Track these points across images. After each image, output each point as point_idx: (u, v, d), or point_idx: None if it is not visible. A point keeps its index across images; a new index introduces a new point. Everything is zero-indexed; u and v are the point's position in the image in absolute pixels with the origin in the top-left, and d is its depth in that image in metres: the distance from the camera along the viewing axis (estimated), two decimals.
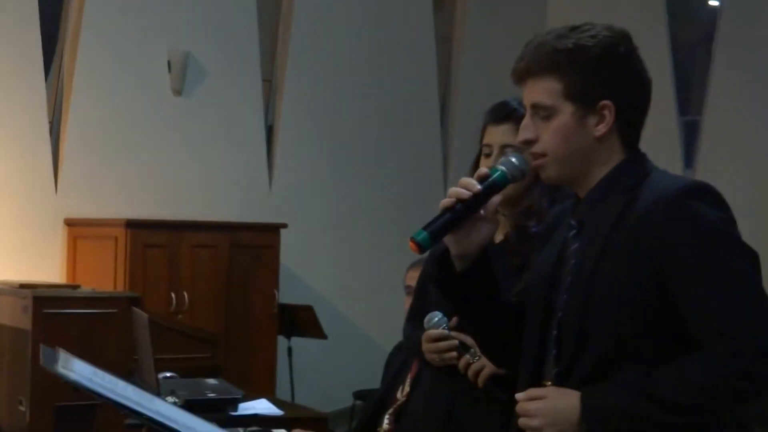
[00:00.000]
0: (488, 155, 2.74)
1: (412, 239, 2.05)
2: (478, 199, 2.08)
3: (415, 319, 2.93)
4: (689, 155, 9.46)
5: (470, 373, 2.65)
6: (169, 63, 7.50)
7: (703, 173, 9.05)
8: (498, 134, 2.73)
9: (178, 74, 7.54)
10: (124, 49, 7.35)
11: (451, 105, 9.34)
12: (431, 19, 9.10)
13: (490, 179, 2.10)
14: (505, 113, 2.73)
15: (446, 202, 2.08)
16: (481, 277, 2.14)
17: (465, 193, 2.07)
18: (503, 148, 2.69)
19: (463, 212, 2.08)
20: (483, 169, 2.13)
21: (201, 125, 7.70)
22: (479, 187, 2.08)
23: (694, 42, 10.02)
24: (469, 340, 2.64)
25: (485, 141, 2.77)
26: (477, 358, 2.63)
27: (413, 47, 8.96)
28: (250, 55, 7.97)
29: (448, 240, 2.11)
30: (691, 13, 10.03)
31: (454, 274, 2.14)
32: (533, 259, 2.27)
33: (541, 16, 9.93)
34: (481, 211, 2.09)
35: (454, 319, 2.66)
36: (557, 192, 2.57)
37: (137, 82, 7.42)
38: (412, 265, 3.77)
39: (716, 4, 9.73)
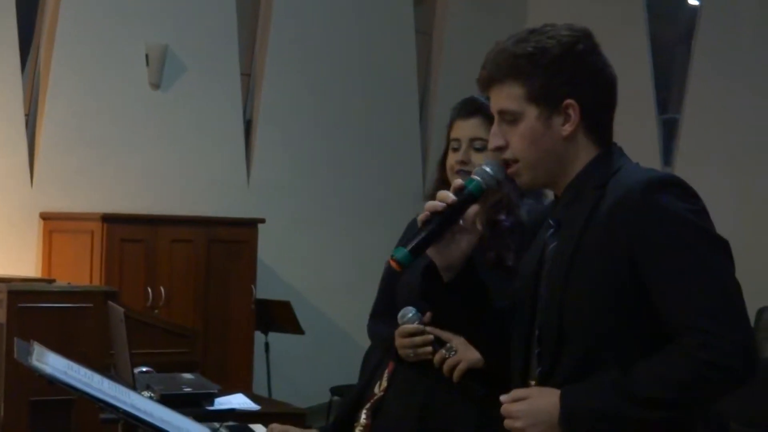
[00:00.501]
0: (456, 149, 2.75)
1: (393, 258, 2.08)
2: (455, 211, 2.10)
3: (378, 315, 2.94)
4: (668, 153, 9.49)
5: (446, 368, 2.65)
6: (147, 56, 7.45)
7: (681, 171, 9.07)
8: (466, 128, 2.75)
9: (156, 68, 7.49)
10: (101, 42, 7.30)
11: (430, 101, 9.33)
12: (411, 14, 9.09)
13: (466, 190, 2.11)
14: (474, 107, 2.75)
15: (423, 216, 2.10)
16: (469, 286, 2.16)
17: (440, 205, 2.09)
18: (472, 141, 2.72)
19: (440, 225, 2.10)
20: (458, 181, 2.14)
21: (179, 119, 7.66)
22: (453, 197, 2.09)
23: (673, 41, 10.05)
24: (444, 335, 2.64)
25: (453, 135, 2.78)
26: (453, 353, 2.63)
27: (393, 42, 8.94)
28: (229, 49, 7.93)
29: (431, 253, 2.13)
30: (670, 12, 10.05)
31: (442, 286, 2.16)
32: (522, 259, 2.28)
33: (522, 13, 9.94)
34: (461, 222, 2.11)
35: (428, 315, 2.66)
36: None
37: (115, 75, 7.37)
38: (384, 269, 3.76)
39: (696, 3, 9.75)
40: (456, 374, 2.63)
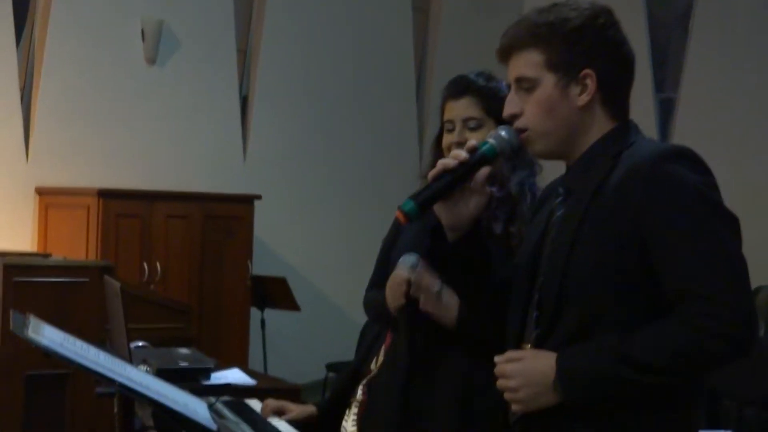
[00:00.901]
0: (450, 131, 2.74)
1: (400, 209, 2.09)
2: (466, 170, 2.11)
3: (374, 288, 2.93)
4: (665, 132, 9.48)
5: (422, 299, 2.58)
6: (142, 32, 7.42)
7: None
8: (458, 108, 2.73)
9: (152, 43, 7.46)
10: (97, 17, 7.27)
11: (427, 78, 9.30)
12: None
13: (479, 151, 2.12)
14: (463, 87, 2.74)
15: (434, 172, 2.12)
16: (473, 249, 2.18)
17: (452, 162, 2.11)
18: (465, 122, 2.71)
19: (450, 182, 2.11)
20: (472, 142, 2.16)
21: (175, 95, 7.63)
22: (466, 155, 2.11)
23: (670, 20, 10.02)
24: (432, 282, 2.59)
25: (446, 117, 2.77)
26: (436, 294, 2.56)
27: (389, 19, 8.91)
28: (225, 24, 7.90)
29: (438, 210, 2.15)
30: None
31: (446, 245, 2.18)
32: (523, 224, 2.30)
33: None
34: (471, 184, 2.12)
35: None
36: (518, 159, 2.59)
37: (110, 50, 7.34)
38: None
39: None
40: (421, 306, 2.56)
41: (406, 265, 2.64)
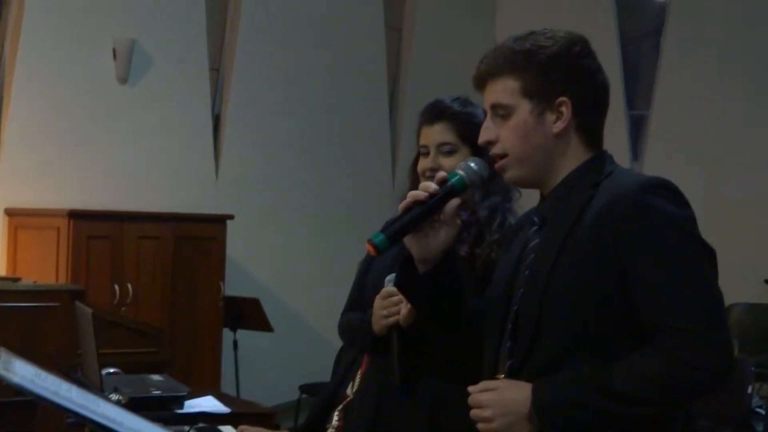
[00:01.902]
0: (426, 155, 2.76)
1: (369, 241, 2.09)
2: (436, 202, 2.11)
3: (351, 310, 2.92)
4: (636, 150, 9.53)
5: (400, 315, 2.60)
6: (114, 51, 7.38)
7: (650, 167, 9.11)
8: (433, 134, 2.74)
9: (124, 62, 7.41)
10: (68, 36, 7.21)
11: (400, 97, 9.31)
12: (381, 9, 9.07)
13: (449, 183, 2.12)
14: (438, 112, 2.75)
15: (404, 204, 2.12)
16: (444, 280, 2.17)
17: (422, 194, 2.11)
18: (439, 147, 2.72)
19: (420, 214, 2.11)
20: (442, 173, 2.16)
21: (147, 114, 7.58)
22: (435, 187, 2.11)
23: (641, 36, 10.08)
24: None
25: (421, 142, 2.78)
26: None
27: (362, 37, 8.91)
28: (197, 43, 7.86)
29: (408, 243, 2.14)
30: (639, 7, 10.08)
31: (417, 277, 2.17)
32: (499, 260, 2.30)
33: (491, 8, 9.93)
34: (441, 216, 2.12)
35: None
36: (491, 184, 2.58)
37: (82, 69, 7.28)
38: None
39: None
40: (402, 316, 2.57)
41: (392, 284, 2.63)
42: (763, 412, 5.41)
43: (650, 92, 9.57)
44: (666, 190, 2.00)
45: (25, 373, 2.22)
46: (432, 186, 2.12)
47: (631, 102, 9.65)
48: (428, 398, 2.63)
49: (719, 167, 8.99)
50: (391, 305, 2.65)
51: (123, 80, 7.45)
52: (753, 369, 5.45)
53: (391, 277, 2.66)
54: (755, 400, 5.59)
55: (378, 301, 2.70)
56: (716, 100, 9.09)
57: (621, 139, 9.20)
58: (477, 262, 2.65)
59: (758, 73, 9.00)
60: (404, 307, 2.55)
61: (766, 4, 9.04)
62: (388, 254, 2.66)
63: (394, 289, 2.62)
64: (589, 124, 2.11)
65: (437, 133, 2.73)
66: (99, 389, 3.56)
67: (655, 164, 9.04)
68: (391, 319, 2.65)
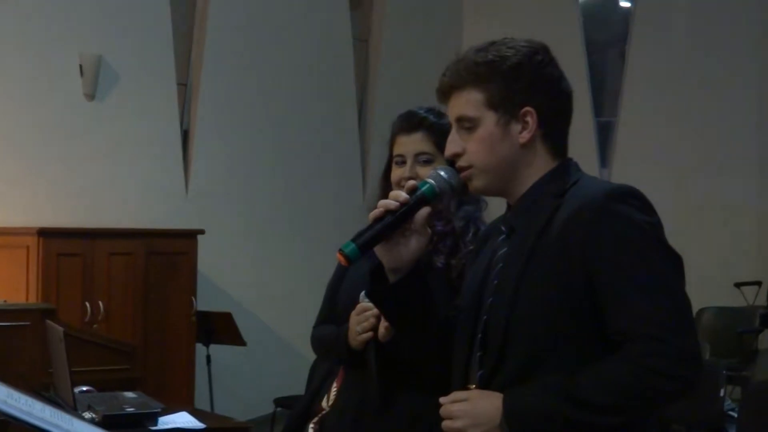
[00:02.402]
0: (401, 164, 2.75)
1: (341, 251, 2.08)
2: (406, 211, 2.11)
3: (322, 324, 2.91)
4: (604, 156, 9.59)
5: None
6: (81, 67, 7.34)
7: (618, 173, 9.17)
8: (410, 143, 2.74)
9: (91, 78, 7.38)
10: (34, 52, 7.17)
11: (369, 108, 9.33)
12: (348, 21, 9.08)
13: (419, 192, 2.12)
14: (416, 122, 2.75)
15: (375, 213, 2.11)
16: (415, 289, 2.16)
17: (393, 204, 2.10)
18: (417, 156, 2.72)
19: (391, 223, 2.10)
20: (412, 182, 2.15)
21: (115, 130, 7.55)
22: (406, 196, 2.10)
23: (607, 44, 10.15)
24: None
25: (397, 151, 2.77)
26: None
27: (330, 50, 8.92)
28: (165, 58, 7.84)
29: (379, 252, 2.14)
30: (603, 15, 10.15)
31: (387, 286, 2.16)
32: (465, 257, 2.29)
33: (457, 19, 9.97)
34: (412, 224, 2.11)
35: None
36: (464, 193, 2.54)
37: (48, 86, 7.25)
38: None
39: (628, 5, 9.86)
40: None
41: (366, 299, 2.63)
42: (735, 414, 5.44)
43: (617, 99, 9.64)
44: (632, 197, 2.00)
45: None
46: (402, 195, 2.11)
47: (598, 109, 9.72)
48: (407, 412, 2.63)
49: (687, 172, 9.07)
50: (365, 320, 2.65)
51: (90, 96, 7.42)
52: (725, 372, 5.49)
53: (365, 293, 2.66)
54: (727, 403, 5.62)
55: (353, 317, 2.69)
56: (682, 106, 9.17)
57: (589, 146, 9.26)
58: (453, 273, 2.65)
59: (722, 79, 9.09)
60: (382, 325, 2.55)
61: (729, 11, 9.13)
62: (362, 267, 2.67)
63: (370, 304, 2.62)
64: (554, 132, 2.11)
65: (415, 143, 2.73)
66: (72, 408, 3.54)
67: (623, 171, 9.10)
68: (366, 335, 2.65)
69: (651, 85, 9.30)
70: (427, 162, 2.70)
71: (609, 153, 9.64)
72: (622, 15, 9.91)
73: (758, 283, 8.83)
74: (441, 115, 2.75)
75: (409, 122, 2.75)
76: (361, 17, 9.39)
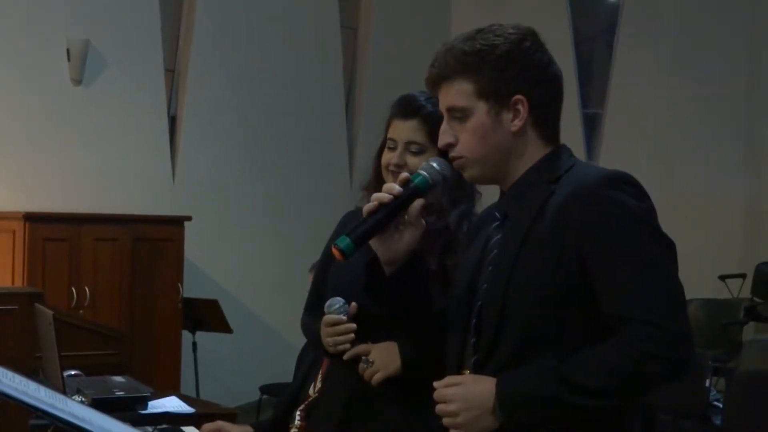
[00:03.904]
0: (392, 149, 2.69)
1: (335, 246, 2.09)
2: (400, 203, 2.12)
3: (310, 309, 2.89)
4: (591, 147, 9.60)
5: (366, 377, 2.62)
6: (68, 51, 7.31)
7: (604, 165, 9.15)
8: (404, 130, 2.67)
9: (78, 63, 7.35)
10: (21, 36, 7.14)
11: (357, 97, 9.32)
12: (336, 9, 9.06)
13: (412, 184, 2.13)
14: (412, 109, 2.68)
15: (369, 206, 2.12)
16: (410, 281, 2.18)
17: (386, 197, 2.12)
18: (408, 145, 2.65)
19: (385, 217, 2.12)
20: (404, 174, 2.17)
21: (102, 115, 7.52)
22: (399, 189, 2.12)
23: (595, 35, 10.16)
24: (363, 348, 2.58)
25: (390, 135, 2.71)
26: (369, 364, 2.59)
27: (318, 38, 8.91)
28: (152, 43, 7.81)
29: (374, 245, 2.16)
30: (592, 6, 10.16)
31: (383, 279, 2.18)
32: (460, 257, 2.29)
33: (446, 8, 9.97)
34: (405, 216, 2.13)
35: (353, 305, 2.62)
36: (459, 190, 2.58)
37: (35, 70, 7.21)
38: (314, 266, 3.72)
39: None
40: (374, 383, 2.59)
41: (331, 310, 2.62)
42: (720, 405, 5.47)
43: (604, 90, 9.65)
44: (626, 183, 2.01)
45: None
46: (395, 188, 2.12)
47: (585, 100, 9.73)
48: (400, 402, 2.62)
49: (674, 164, 9.09)
50: (335, 334, 2.62)
51: (77, 81, 7.39)
52: (710, 363, 5.52)
53: (332, 301, 2.65)
54: (713, 394, 5.65)
55: (323, 328, 2.65)
56: (670, 98, 9.18)
57: (576, 138, 9.27)
58: (450, 273, 2.57)
59: (710, 71, 9.10)
60: (380, 371, 2.54)
61: (717, 3, 9.15)
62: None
63: (338, 316, 2.61)
64: (545, 118, 2.11)
65: (409, 130, 2.66)
66: (62, 391, 3.52)
67: (610, 162, 9.10)
68: (340, 348, 2.62)
69: (638, 77, 9.32)
70: (417, 153, 2.64)
71: (596, 145, 9.65)
72: (610, 6, 9.92)
73: (743, 276, 8.87)
74: (437, 104, 2.72)
75: (407, 108, 2.69)
76: (349, 5, 9.37)
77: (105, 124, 7.54)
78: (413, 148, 2.64)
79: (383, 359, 2.55)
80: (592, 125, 9.75)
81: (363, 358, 2.58)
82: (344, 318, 2.62)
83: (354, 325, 2.62)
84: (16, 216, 6.59)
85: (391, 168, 2.65)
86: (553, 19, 9.33)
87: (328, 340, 2.66)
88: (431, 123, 2.61)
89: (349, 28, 9.39)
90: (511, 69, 2.06)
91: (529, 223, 2.03)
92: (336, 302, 2.66)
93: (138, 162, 7.69)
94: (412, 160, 2.62)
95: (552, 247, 1.99)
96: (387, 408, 2.61)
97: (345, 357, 2.64)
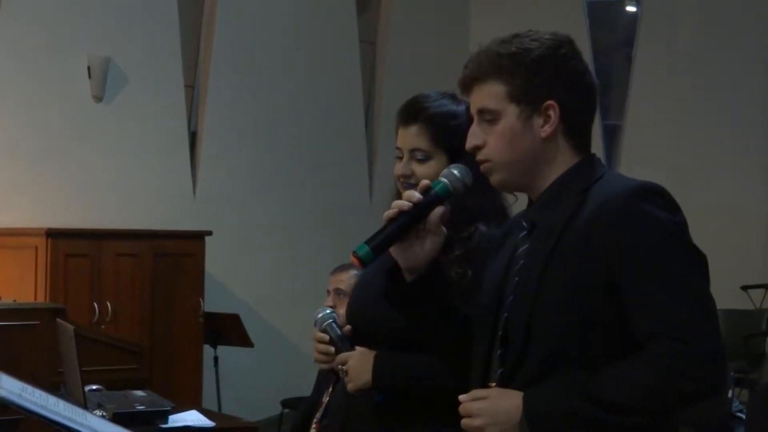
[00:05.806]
0: (400, 158, 2.58)
1: (354, 253, 2.06)
2: (420, 211, 2.09)
3: None
4: (611, 159, 9.58)
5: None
6: (89, 69, 7.36)
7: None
8: (407, 137, 2.56)
9: (99, 80, 7.40)
10: (43, 54, 7.20)
11: (376, 111, 9.33)
12: (355, 24, 9.09)
13: (432, 191, 2.10)
14: (412, 113, 2.56)
15: (389, 213, 2.09)
16: (431, 288, 2.15)
17: (406, 205, 2.09)
18: (412, 153, 2.54)
19: (405, 224, 2.09)
20: (425, 181, 2.13)
21: (123, 132, 7.57)
22: (419, 197, 2.09)
23: (614, 47, 10.15)
24: (341, 357, 2.54)
25: (397, 143, 2.61)
26: (344, 373, 2.55)
27: (337, 52, 8.93)
28: (172, 60, 7.86)
29: (394, 253, 2.13)
30: (610, 18, 10.15)
31: (404, 286, 2.15)
32: (488, 265, 2.24)
33: (464, 21, 9.98)
34: (426, 225, 2.10)
35: (348, 328, 2.58)
36: (481, 199, 2.46)
37: (57, 88, 7.26)
38: (337, 269, 3.74)
39: (634, 9, 9.87)
40: (349, 391, 2.54)
41: (319, 322, 2.60)
42: (743, 416, 5.43)
43: (623, 102, 9.63)
44: (657, 195, 1.98)
45: (12, 388, 2.21)
46: (416, 195, 2.09)
47: (604, 112, 9.71)
48: (396, 407, 2.59)
49: (693, 175, 9.06)
50: (317, 351, 2.60)
51: (98, 98, 7.44)
52: (732, 374, 5.48)
53: (318, 311, 2.62)
54: (736, 405, 5.61)
55: (314, 342, 2.64)
56: (689, 110, 9.16)
57: (596, 150, 9.08)
58: (466, 283, 2.46)
59: (730, 82, 9.08)
60: (350, 383, 2.51)
61: (736, 15, 9.13)
62: (370, 266, 2.65)
63: (323, 336, 2.58)
64: (577, 127, 2.08)
65: (411, 137, 2.54)
66: (83, 406, 3.55)
67: (629, 174, 9.05)
68: (325, 366, 2.60)
69: (657, 89, 9.30)
70: (423, 160, 2.52)
71: (615, 156, 9.63)
72: (629, 18, 9.91)
73: (765, 287, 8.82)
74: (454, 97, 2.56)
75: (407, 112, 2.57)
76: (367, 20, 9.39)
77: (126, 140, 7.58)
78: (418, 155, 2.53)
79: (356, 370, 2.51)
80: (611, 137, 9.73)
81: (339, 366, 2.55)
82: (326, 337, 2.58)
83: (331, 348, 2.56)
84: (39, 232, 6.62)
85: (401, 180, 2.56)
86: (571, 31, 9.23)
87: (315, 355, 2.65)
88: (434, 125, 2.53)
89: (368, 43, 9.42)
90: (544, 74, 2.04)
91: (557, 234, 2.00)
92: (320, 311, 2.63)
93: (159, 177, 7.73)
94: (418, 168, 2.53)
95: (581, 259, 1.95)
96: (382, 420, 2.55)
97: (321, 368, 2.64)
